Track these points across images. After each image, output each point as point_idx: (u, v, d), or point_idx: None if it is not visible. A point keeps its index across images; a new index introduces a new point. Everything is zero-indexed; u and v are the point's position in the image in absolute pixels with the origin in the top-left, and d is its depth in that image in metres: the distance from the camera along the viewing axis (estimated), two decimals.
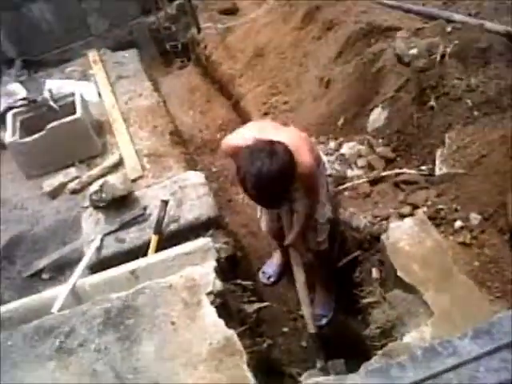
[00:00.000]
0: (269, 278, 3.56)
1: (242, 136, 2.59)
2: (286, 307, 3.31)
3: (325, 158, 3.09)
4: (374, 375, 1.73)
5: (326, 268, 3.29)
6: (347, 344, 2.88)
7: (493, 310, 2.18)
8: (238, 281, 2.84)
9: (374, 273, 2.84)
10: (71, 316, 2.33)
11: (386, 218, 2.93)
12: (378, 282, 2.77)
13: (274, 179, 2.26)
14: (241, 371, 2.09)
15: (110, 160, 3.89)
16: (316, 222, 2.93)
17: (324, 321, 3.27)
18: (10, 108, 4.23)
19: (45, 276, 3.23)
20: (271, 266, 3.60)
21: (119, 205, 3.30)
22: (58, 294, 2.51)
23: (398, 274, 2.46)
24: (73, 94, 4.18)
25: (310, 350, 2.88)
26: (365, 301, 2.79)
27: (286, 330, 3.23)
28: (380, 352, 2.13)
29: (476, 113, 3.12)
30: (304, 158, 2.48)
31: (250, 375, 2.07)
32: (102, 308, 2.38)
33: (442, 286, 2.33)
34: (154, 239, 3.08)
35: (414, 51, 3.51)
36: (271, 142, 2.33)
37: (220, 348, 2.18)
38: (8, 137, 3.91)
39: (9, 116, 4.09)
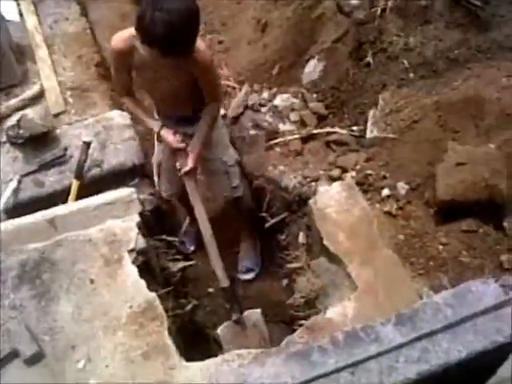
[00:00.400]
0: (188, 247, 3.45)
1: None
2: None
3: None
4: (295, 359, 1.76)
5: (250, 220, 3.28)
6: (269, 309, 2.89)
7: (415, 287, 2.24)
8: (163, 236, 2.76)
9: (301, 237, 2.83)
10: None
11: (316, 180, 2.92)
12: (305, 247, 2.77)
13: (184, 16, 2.10)
14: (161, 338, 2.07)
15: (31, 91, 3.58)
16: (225, 166, 2.89)
17: (251, 275, 3.29)
18: None
19: None
20: (187, 235, 3.47)
21: (38, 142, 3.12)
22: None
23: (324, 242, 2.47)
24: None
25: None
26: (290, 266, 2.81)
27: (211, 290, 3.18)
28: (303, 325, 2.15)
29: (411, 75, 3.11)
30: (206, 48, 2.43)
31: (170, 342, 2.06)
32: (17, 260, 2.29)
33: (366, 258, 2.36)
34: (75, 184, 2.97)
35: (355, 1, 3.43)
36: None
37: (140, 312, 2.14)
38: None
39: None
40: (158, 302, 2.18)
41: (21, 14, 4.18)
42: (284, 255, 2.95)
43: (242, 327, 2.59)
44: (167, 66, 2.34)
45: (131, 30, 2.25)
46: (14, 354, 2.02)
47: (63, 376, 1.98)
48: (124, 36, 2.38)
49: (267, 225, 3.12)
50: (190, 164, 2.59)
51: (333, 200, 2.64)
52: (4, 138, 3.17)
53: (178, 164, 2.64)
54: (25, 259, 2.29)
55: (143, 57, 2.27)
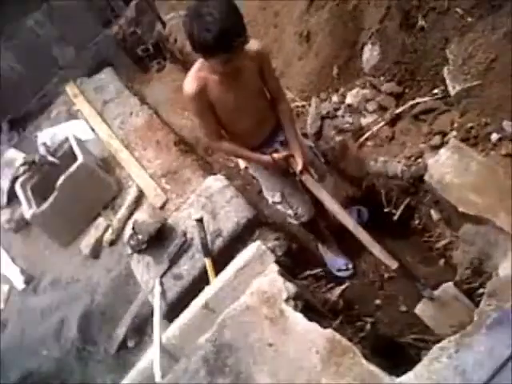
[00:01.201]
0: (346, 269, 3.29)
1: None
2: (367, 278, 3.22)
3: None
4: (498, 329, 1.71)
5: None
6: None
7: None
8: (308, 272, 2.80)
9: (434, 215, 2.77)
10: (177, 379, 2.33)
11: (420, 156, 2.86)
12: (442, 221, 2.71)
13: (223, 8, 2.19)
14: (363, 366, 2.06)
15: (130, 196, 3.83)
16: (311, 149, 3.00)
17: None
18: (15, 178, 4.14)
19: (130, 344, 3.23)
20: (334, 256, 3.36)
21: (159, 239, 3.25)
22: (151, 360, 2.50)
23: (460, 210, 2.40)
24: (67, 139, 4.08)
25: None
26: (439, 245, 2.74)
27: (378, 302, 3.12)
28: (484, 293, 2.07)
29: (469, 19, 2.96)
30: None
31: (373, 367, 2.05)
32: (199, 358, 2.36)
33: (507, 205, 2.25)
34: (208, 262, 3.04)
35: None
36: None
37: (329, 352, 2.15)
38: (26, 211, 3.83)
39: (18, 189, 4.02)
40: (338, 335, 2.18)
41: (92, 129, 4.46)
42: (427, 238, 2.88)
43: (441, 302, 2.54)
44: (238, 74, 2.44)
45: (192, 69, 2.39)
46: None
47: None
48: (190, 78, 2.47)
49: (395, 217, 3.06)
50: (299, 162, 2.66)
51: (447, 167, 2.58)
52: (129, 251, 3.33)
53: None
54: (204, 354, 2.36)
55: (216, 82, 2.40)
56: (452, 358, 1.86)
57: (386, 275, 3.08)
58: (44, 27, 5.07)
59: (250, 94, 2.60)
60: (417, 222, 3.00)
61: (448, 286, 2.57)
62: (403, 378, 1.96)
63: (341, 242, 3.26)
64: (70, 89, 5.03)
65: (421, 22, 3.11)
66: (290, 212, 3.02)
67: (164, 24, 4.87)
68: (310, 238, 3.39)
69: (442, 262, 2.94)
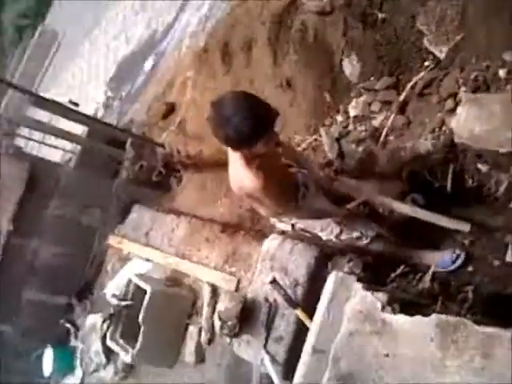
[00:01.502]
0: (455, 260, 3.05)
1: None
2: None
3: None
4: None
5: None
6: None
7: None
8: (392, 275, 2.78)
9: (482, 167, 2.75)
10: None
11: (441, 125, 2.89)
12: (493, 170, 2.68)
13: (246, 100, 2.28)
14: (477, 333, 2.00)
15: (206, 294, 3.92)
16: None
17: None
18: (104, 337, 4.31)
19: None
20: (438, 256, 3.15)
21: (247, 317, 3.30)
22: None
23: (501, 151, 2.40)
24: (130, 280, 4.24)
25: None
26: (500, 192, 2.69)
27: (470, 269, 2.97)
28: None
29: None
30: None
31: (488, 328, 1.99)
32: None
33: None
34: (299, 313, 3.03)
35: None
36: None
37: (442, 335, 2.10)
38: (126, 357, 3.95)
39: (109, 343, 4.16)
40: (443, 316, 2.14)
41: (148, 260, 4.67)
42: (487, 191, 2.82)
43: None
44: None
45: (241, 167, 2.44)
46: None
47: None
48: (248, 173, 2.47)
49: (449, 189, 3.00)
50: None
51: (471, 120, 2.61)
52: (227, 340, 3.39)
53: None
54: None
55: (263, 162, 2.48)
56: None
57: (466, 241, 2.99)
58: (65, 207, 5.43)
59: None
60: (470, 182, 2.95)
61: None
62: None
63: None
64: (113, 240, 5.30)
65: (380, 16, 3.26)
66: (356, 234, 2.99)
67: (162, 145, 5.17)
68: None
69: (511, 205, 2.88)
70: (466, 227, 2.51)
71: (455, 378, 2.02)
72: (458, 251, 2.98)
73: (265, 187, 2.52)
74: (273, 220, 3.09)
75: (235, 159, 2.48)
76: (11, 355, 5.16)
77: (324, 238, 3.03)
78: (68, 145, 5.85)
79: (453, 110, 2.81)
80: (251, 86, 4.25)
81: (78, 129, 5.63)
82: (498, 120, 2.48)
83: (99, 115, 6.59)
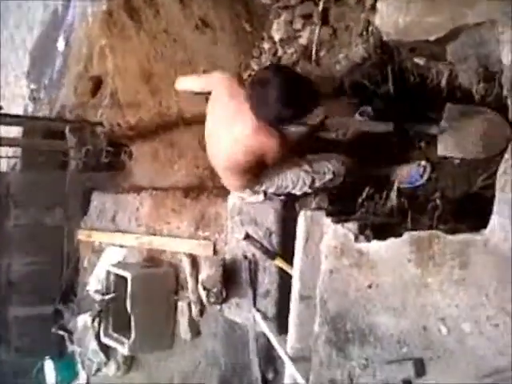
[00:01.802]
0: (422, 173, 2.97)
1: None
2: None
3: None
4: None
5: None
6: None
7: None
8: (359, 200, 2.67)
9: (420, 61, 2.60)
10: (319, 376, 2.26)
11: (368, 25, 2.69)
12: (430, 61, 2.50)
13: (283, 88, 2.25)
14: (452, 242, 1.92)
15: (186, 266, 3.82)
16: None
17: None
18: (98, 335, 4.23)
19: (270, 376, 3.15)
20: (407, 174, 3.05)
21: (230, 278, 3.19)
22: (291, 375, 2.47)
23: (431, 38, 2.23)
24: (108, 272, 4.11)
25: None
26: (443, 84, 2.53)
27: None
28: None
29: None
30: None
31: (460, 236, 1.92)
32: (324, 344, 2.27)
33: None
34: (279, 263, 2.98)
35: None
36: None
37: (417, 252, 2.01)
38: (123, 350, 3.88)
39: (104, 339, 4.09)
40: (414, 232, 2.06)
41: (121, 246, 4.53)
42: (429, 83, 2.68)
43: (454, 127, 2.47)
44: None
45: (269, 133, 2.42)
46: None
47: None
48: (279, 138, 2.46)
49: (392, 91, 2.85)
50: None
51: (393, 14, 2.39)
52: (217, 307, 3.35)
53: None
54: (325, 338, 2.29)
55: None
56: None
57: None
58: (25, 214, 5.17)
59: None
60: (412, 78, 2.77)
61: (449, 108, 2.45)
62: (491, 224, 1.83)
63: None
64: (82, 234, 5.10)
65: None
66: (328, 176, 2.85)
67: (101, 123, 4.90)
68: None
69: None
70: (389, 127, 2.44)
71: (439, 295, 1.95)
72: (423, 163, 2.86)
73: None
74: (243, 195, 3.03)
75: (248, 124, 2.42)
76: (10, 376, 5.04)
77: (298, 193, 2.91)
78: (10, 150, 5.54)
79: (374, 7, 2.58)
80: (168, 36, 3.95)
81: (15, 131, 5.31)
82: (418, 6, 2.28)
83: (30, 111, 6.25)
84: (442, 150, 2.53)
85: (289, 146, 2.54)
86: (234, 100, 2.50)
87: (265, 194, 2.95)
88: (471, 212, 2.31)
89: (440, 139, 2.52)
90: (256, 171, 2.70)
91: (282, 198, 3.01)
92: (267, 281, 3.06)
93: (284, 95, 2.24)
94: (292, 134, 2.60)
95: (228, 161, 2.63)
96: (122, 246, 4.53)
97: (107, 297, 4.02)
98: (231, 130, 2.51)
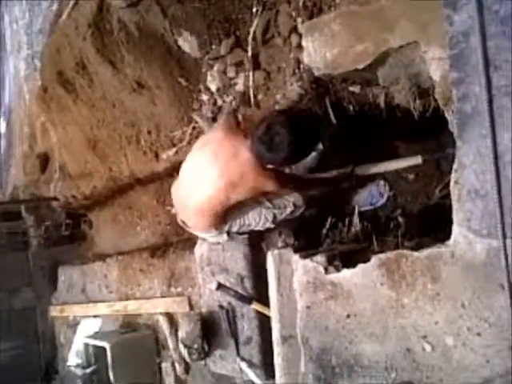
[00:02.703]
0: (382, 192, 3.11)
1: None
2: None
3: None
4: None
5: None
6: None
7: None
8: (324, 231, 2.69)
9: (355, 89, 2.65)
10: None
11: (298, 63, 2.74)
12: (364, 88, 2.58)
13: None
14: (419, 259, 1.95)
15: (164, 325, 3.75)
16: None
17: None
18: None
19: None
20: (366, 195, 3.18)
21: (210, 331, 3.17)
22: None
23: (361, 67, 2.30)
24: (86, 344, 4.03)
25: None
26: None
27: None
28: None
29: None
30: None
31: (426, 251, 1.95)
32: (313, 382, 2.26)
33: (383, 25, 2.17)
34: (256, 307, 2.97)
35: None
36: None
37: (388, 274, 2.03)
38: None
39: None
40: (381, 255, 2.08)
41: (95, 316, 4.44)
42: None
43: None
44: None
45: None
46: None
47: None
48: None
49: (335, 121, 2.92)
50: None
51: (319, 49, 2.46)
52: (202, 362, 3.30)
53: None
54: (313, 376, 2.29)
55: None
56: None
57: None
58: None
59: None
60: (351, 108, 2.83)
61: None
62: (453, 235, 1.86)
63: None
64: (54, 311, 5.01)
65: None
66: (289, 209, 2.88)
67: (55, 198, 4.86)
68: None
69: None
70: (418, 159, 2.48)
71: (416, 313, 1.97)
72: (381, 182, 2.92)
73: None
74: (207, 235, 3.00)
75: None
76: None
77: (262, 229, 2.92)
78: None
79: (300, 45, 2.64)
80: (106, 102, 3.96)
81: None
82: (343, 38, 2.35)
83: None
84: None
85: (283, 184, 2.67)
86: (230, 139, 2.57)
87: (228, 233, 2.93)
88: (435, 223, 2.35)
89: None
90: (229, 212, 2.73)
91: (245, 236, 3.01)
92: (247, 327, 3.04)
93: (293, 142, 2.37)
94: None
95: (208, 201, 2.63)
96: (96, 316, 4.44)
97: (88, 370, 3.94)
98: (224, 169, 2.54)
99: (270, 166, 2.51)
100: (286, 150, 2.38)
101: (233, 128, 2.67)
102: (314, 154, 2.83)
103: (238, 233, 2.95)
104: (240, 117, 3.01)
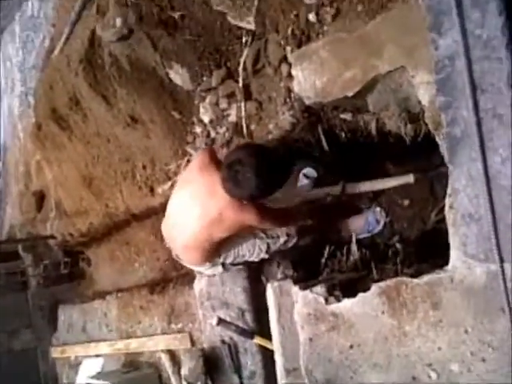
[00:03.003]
0: (379, 218, 3.08)
1: None
2: None
3: None
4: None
5: None
6: None
7: None
8: (323, 260, 2.66)
9: (346, 116, 2.66)
10: None
11: (289, 92, 2.75)
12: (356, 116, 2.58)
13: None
14: (418, 284, 1.94)
15: (166, 362, 3.68)
16: None
17: None
18: None
19: None
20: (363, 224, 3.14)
21: (213, 367, 3.14)
22: None
23: (336, 97, 2.34)
24: None
25: None
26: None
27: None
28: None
29: None
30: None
31: (426, 277, 1.93)
32: None
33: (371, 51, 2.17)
34: (258, 341, 2.96)
35: None
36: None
37: (389, 302, 2.01)
38: None
39: None
40: (381, 283, 2.06)
41: (97, 355, 4.37)
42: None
43: None
44: None
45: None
46: None
47: None
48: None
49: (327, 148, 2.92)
50: None
51: (309, 77, 2.49)
52: None
53: None
54: None
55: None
56: None
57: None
58: None
59: None
60: (343, 135, 2.83)
61: None
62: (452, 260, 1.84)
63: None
64: (55, 351, 4.91)
65: (176, 14, 3.06)
66: (283, 239, 2.87)
67: (52, 236, 4.84)
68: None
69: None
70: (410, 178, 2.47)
71: (420, 341, 1.94)
72: (377, 209, 2.91)
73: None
74: (201, 269, 2.98)
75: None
76: None
77: (256, 260, 2.90)
78: None
79: (290, 74, 2.66)
80: (100, 138, 3.96)
81: None
82: (331, 66, 2.36)
83: None
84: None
85: (268, 216, 2.63)
86: (205, 177, 2.56)
87: (223, 265, 2.90)
88: (433, 248, 2.33)
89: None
90: (220, 245, 2.71)
91: (241, 267, 3.00)
92: (250, 362, 3.01)
93: (259, 176, 2.32)
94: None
95: (194, 238, 2.63)
96: (98, 356, 4.37)
97: None
98: (203, 208, 2.53)
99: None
100: (251, 187, 2.34)
101: (206, 164, 2.61)
102: (308, 181, 2.84)
103: (233, 264, 2.92)
104: (216, 147, 3.00)
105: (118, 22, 3.22)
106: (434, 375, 1.90)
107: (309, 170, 2.98)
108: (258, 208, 2.52)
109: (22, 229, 5.28)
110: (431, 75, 1.90)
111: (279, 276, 2.93)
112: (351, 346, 2.14)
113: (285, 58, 2.73)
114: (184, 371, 3.24)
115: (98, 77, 3.60)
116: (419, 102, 2.15)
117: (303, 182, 2.96)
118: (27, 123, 4.86)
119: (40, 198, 4.99)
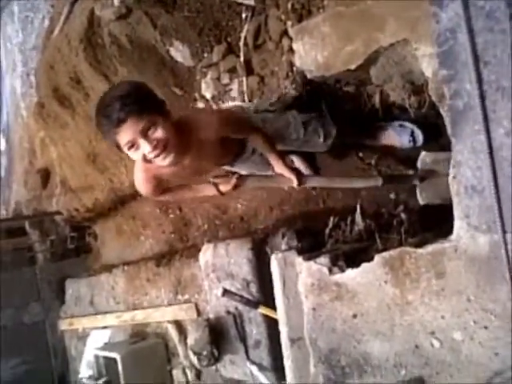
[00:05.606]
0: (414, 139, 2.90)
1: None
2: None
3: None
4: None
5: None
6: None
7: None
8: (327, 231, 2.70)
9: (349, 88, 2.64)
10: None
11: (291, 65, 2.74)
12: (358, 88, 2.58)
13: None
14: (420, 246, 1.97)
15: (173, 333, 3.78)
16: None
17: None
18: None
19: None
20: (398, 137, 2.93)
21: (218, 337, 3.20)
22: None
23: (347, 68, 2.31)
24: (96, 356, 4.07)
25: None
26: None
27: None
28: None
29: None
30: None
31: (429, 247, 1.94)
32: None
33: (372, 25, 2.18)
34: (263, 311, 2.98)
35: None
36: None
37: (392, 272, 2.04)
38: None
39: None
40: (385, 253, 2.08)
41: (104, 327, 4.44)
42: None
43: (430, 175, 2.49)
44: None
45: (137, 170, 2.32)
46: None
47: None
48: (141, 179, 2.37)
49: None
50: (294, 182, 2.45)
51: (310, 52, 2.49)
52: (213, 368, 3.32)
53: None
54: (323, 376, 2.30)
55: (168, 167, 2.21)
56: None
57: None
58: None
59: (208, 156, 2.38)
60: (347, 106, 2.84)
61: (423, 156, 2.48)
62: (455, 229, 1.85)
63: None
64: (63, 324, 5.02)
65: None
66: (320, 140, 2.75)
67: (59, 212, 4.89)
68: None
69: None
70: (378, 181, 2.48)
71: (423, 310, 1.96)
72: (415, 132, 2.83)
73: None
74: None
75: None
76: None
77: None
78: None
79: (292, 49, 2.65)
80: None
81: None
82: (333, 40, 2.36)
83: None
84: (423, 199, 2.53)
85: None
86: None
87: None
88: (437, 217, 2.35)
89: (419, 189, 2.54)
90: None
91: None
92: (255, 331, 3.06)
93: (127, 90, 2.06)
94: None
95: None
96: (105, 328, 4.46)
97: (100, 381, 3.96)
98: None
99: None
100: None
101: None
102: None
103: None
104: None
105: (116, 1, 3.21)
106: (436, 343, 1.94)
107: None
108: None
109: (28, 205, 5.35)
110: (434, 48, 1.90)
111: (283, 247, 2.95)
112: (354, 316, 2.18)
113: (285, 33, 2.72)
114: (190, 341, 3.32)
115: (98, 56, 3.62)
116: (423, 74, 2.15)
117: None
118: (30, 102, 4.89)
119: (45, 174, 5.05)
